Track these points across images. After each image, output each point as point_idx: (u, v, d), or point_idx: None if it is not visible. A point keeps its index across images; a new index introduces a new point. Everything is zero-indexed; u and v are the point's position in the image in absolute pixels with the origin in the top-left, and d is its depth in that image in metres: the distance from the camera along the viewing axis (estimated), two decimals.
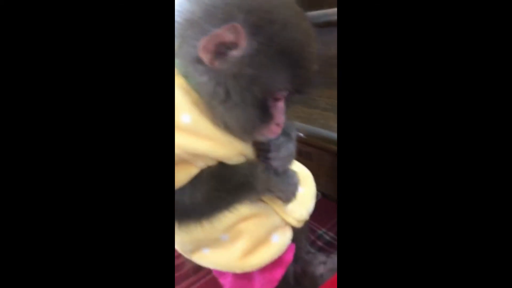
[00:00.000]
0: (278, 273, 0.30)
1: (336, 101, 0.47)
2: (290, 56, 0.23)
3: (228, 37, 0.22)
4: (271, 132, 0.26)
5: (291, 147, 0.30)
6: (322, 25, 0.62)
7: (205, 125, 0.25)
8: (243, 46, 0.22)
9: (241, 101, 0.23)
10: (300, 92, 0.26)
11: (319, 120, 0.48)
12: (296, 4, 0.25)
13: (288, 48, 0.23)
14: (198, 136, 0.25)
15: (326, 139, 0.46)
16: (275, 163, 0.29)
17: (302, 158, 0.38)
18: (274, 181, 0.29)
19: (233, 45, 0.22)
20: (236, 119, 0.24)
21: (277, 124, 0.26)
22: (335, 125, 0.46)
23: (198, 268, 0.40)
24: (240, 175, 0.28)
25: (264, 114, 0.24)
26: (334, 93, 0.58)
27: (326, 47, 0.62)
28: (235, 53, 0.22)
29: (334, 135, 0.44)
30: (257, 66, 0.22)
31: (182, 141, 0.24)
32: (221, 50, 0.22)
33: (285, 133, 0.29)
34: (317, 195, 0.48)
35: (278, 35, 0.22)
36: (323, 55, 0.60)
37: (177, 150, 0.24)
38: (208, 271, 0.41)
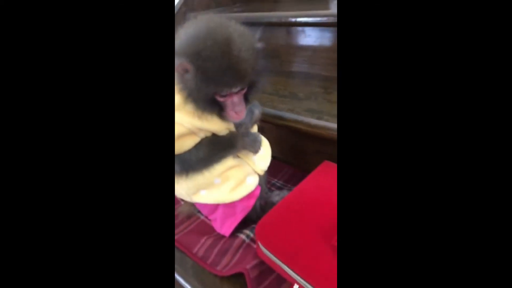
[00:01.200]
0: (251, 202, 0.48)
1: (277, 87, 0.64)
2: (213, 74, 0.37)
3: (182, 66, 0.37)
4: (231, 117, 0.41)
5: (248, 119, 0.47)
6: (265, 25, 0.78)
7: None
8: (190, 70, 0.37)
9: (197, 99, 0.39)
10: (249, 87, 0.42)
11: (267, 102, 0.65)
12: (224, 38, 0.37)
13: (210, 70, 0.37)
14: (200, 118, 0.40)
15: (273, 116, 0.62)
16: (241, 130, 0.46)
17: (258, 131, 0.55)
18: (246, 141, 0.46)
19: (186, 70, 0.38)
20: (198, 109, 0.40)
21: (235, 112, 0.41)
22: (279, 105, 0.63)
23: (190, 215, 0.55)
24: (225, 139, 0.44)
25: (214, 106, 0.40)
26: (277, 79, 0.76)
27: (267, 42, 0.80)
28: (188, 73, 0.38)
29: (278, 112, 0.61)
30: (197, 80, 0.38)
31: (192, 121, 0.39)
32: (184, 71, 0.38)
33: (250, 110, 0.46)
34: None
35: (202, 64, 0.37)
36: (265, 50, 0.78)
37: (188, 126, 0.39)
38: (197, 217, 0.56)
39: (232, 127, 0.46)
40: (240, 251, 0.46)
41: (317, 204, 0.44)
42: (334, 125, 0.51)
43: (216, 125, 0.43)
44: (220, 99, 0.40)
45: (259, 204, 0.52)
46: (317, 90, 0.66)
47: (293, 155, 0.71)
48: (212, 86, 0.38)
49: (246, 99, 0.43)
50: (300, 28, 0.75)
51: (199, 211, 0.56)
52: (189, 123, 0.40)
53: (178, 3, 0.93)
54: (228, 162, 0.45)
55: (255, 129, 0.52)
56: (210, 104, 0.40)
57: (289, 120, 0.57)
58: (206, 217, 0.54)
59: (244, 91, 0.41)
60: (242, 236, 0.49)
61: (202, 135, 0.43)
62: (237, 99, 0.41)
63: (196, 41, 0.37)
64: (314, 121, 0.54)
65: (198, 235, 0.51)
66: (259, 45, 0.41)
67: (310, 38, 0.74)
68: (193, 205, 0.55)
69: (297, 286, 0.37)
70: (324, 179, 0.49)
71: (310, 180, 0.49)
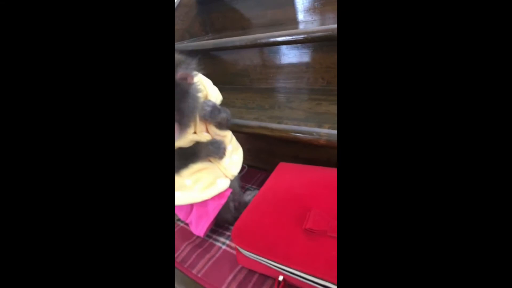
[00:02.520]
0: (222, 201, 0.52)
1: (246, 101, 0.71)
2: None
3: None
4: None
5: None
6: (231, 48, 0.87)
7: None
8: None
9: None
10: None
11: (237, 114, 0.71)
12: None
13: None
14: None
15: (241, 125, 0.68)
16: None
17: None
18: (210, 149, 0.51)
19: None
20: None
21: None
22: (247, 116, 0.69)
23: None
24: (190, 150, 0.50)
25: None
26: (246, 95, 0.83)
27: (237, 63, 0.89)
28: None
29: (245, 122, 0.67)
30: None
31: None
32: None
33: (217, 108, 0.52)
34: (245, 167, 0.73)
35: None
36: (231, 71, 0.87)
37: None
38: (177, 224, 0.59)
39: (198, 139, 0.51)
40: (217, 255, 0.50)
41: (282, 200, 0.48)
42: (292, 127, 0.58)
43: (182, 141, 0.49)
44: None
45: (233, 205, 0.56)
46: (280, 100, 0.74)
47: (264, 160, 0.77)
48: None
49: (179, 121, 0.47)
50: (264, 49, 0.83)
51: (178, 219, 0.60)
52: None
53: None
54: (196, 166, 0.50)
55: (229, 134, 0.58)
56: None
57: (254, 127, 0.63)
58: (184, 222, 0.58)
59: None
60: (219, 244, 0.53)
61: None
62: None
63: None
64: (275, 125, 0.60)
65: (178, 242, 0.55)
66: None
67: (273, 56, 0.82)
68: None
69: (282, 277, 0.40)
70: (282, 178, 0.54)
71: (271, 181, 0.54)
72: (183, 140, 0.49)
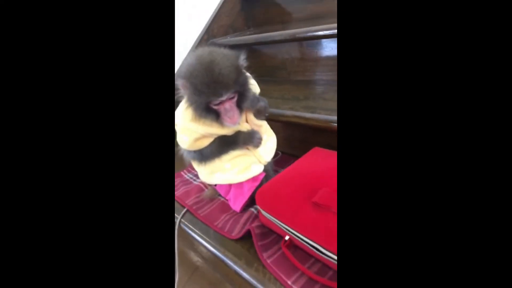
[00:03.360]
0: (256, 183, 0.59)
1: (282, 93, 0.76)
2: (201, 87, 0.50)
3: (182, 84, 0.51)
4: (226, 121, 0.53)
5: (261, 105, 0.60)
6: (270, 42, 0.91)
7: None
8: (187, 87, 0.51)
9: (195, 108, 0.52)
10: (240, 94, 0.53)
11: (273, 104, 0.76)
12: (207, 61, 0.50)
13: (198, 84, 0.49)
14: (204, 124, 0.54)
15: (277, 114, 0.72)
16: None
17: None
18: (247, 137, 0.58)
19: (185, 87, 0.51)
20: (198, 116, 0.52)
21: (228, 117, 0.52)
22: (283, 106, 0.74)
23: (212, 198, 0.68)
24: (230, 138, 0.57)
25: (210, 113, 0.52)
26: (284, 87, 0.88)
27: (273, 58, 0.93)
28: (187, 90, 0.51)
29: (281, 111, 0.71)
30: (192, 94, 0.51)
31: (204, 128, 0.53)
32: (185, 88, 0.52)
33: (257, 99, 0.58)
34: (279, 153, 0.79)
35: (194, 81, 0.50)
36: (270, 64, 0.92)
37: (202, 132, 0.53)
38: (218, 199, 0.68)
39: (236, 129, 0.57)
40: (249, 221, 0.57)
41: (303, 177, 0.54)
42: (324, 116, 0.61)
43: (220, 130, 0.55)
44: (214, 107, 0.52)
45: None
46: (315, 92, 0.77)
47: (297, 147, 0.81)
48: (203, 96, 0.50)
49: (239, 106, 0.54)
50: (302, 42, 0.87)
51: (219, 194, 0.68)
52: (202, 130, 0.54)
53: (200, 31, 1.11)
54: (235, 152, 0.58)
55: (264, 124, 0.64)
56: (206, 111, 0.52)
57: (289, 116, 0.68)
58: (224, 198, 0.66)
59: (234, 99, 0.53)
60: (251, 209, 0.60)
61: (214, 136, 0.56)
62: (228, 106, 0.52)
63: (190, 65, 0.51)
64: (308, 114, 0.64)
65: (219, 213, 0.63)
66: (242, 63, 0.54)
67: (310, 50, 0.85)
68: (215, 190, 0.67)
69: (288, 237, 0.47)
70: (311, 160, 0.59)
71: (300, 161, 0.60)
72: (223, 129, 0.56)
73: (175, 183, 0.77)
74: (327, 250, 0.40)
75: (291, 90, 0.83)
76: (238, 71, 0.52)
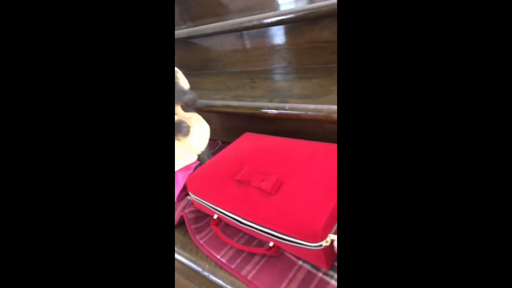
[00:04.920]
0: (189, 171, 0.61)
1: (216, 84, 0.79)
2: None
3: None
4: None
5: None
6: (201, 36, 0.93)
7: None
8: None
9: None
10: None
11: (207, 95, 0.79)
12: None
13: None
14: None
15: (212, 106, 0.76)
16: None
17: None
18: (176, 130, 0.60)
19: None
20: None
21: None
22: (214, 96, 0.77)
23: None
24: None
25: None
26: (217, 78, 0.90)
27: (208, 51, 0.95)
28: None
29: (216, 102, 0.75)
30: None
31: None
32: None
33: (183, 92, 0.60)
34: (219, 143, 0.82)
35: None
36: (205, 57, 0.94)
37: None
38: None
39: None
40: (185, 208, 0.60)
41: (230, 160, 0.57)
42: (250, 103, 0.66)
43: None
44: None
45: None
46: (245, 82, 0.81)
47: (235, 135, 0.85)
48: None
49: None
50: (236, 34, 0.90)
51: None
52: None
53: None
54: None
55: (193, 115, 0.66)
56: None
57: (219, 106, 0.71)
58: None
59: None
60: (188, 198, 0.62)
61: None
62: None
63: None
64: (236, 102, 0.68)
65: None
66: None
67: (242, 42, 0.89)
68: None
69: (216, 215, 0.50)
70: (241, 144, 0.63)
71: (230, 146, 0.63)
72: None
73: None
74: (247, 220, 0.45)
75: (224, 81, 0.87)
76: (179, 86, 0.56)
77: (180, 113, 0.62)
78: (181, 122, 0.61)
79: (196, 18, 1.23)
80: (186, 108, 0.63)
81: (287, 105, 0.59)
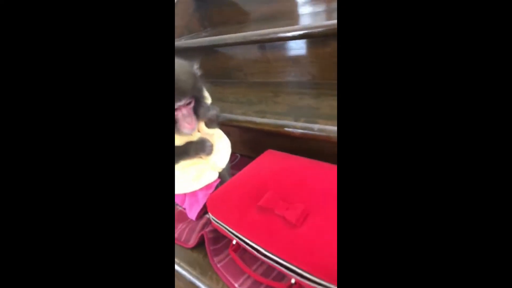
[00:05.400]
0: (210, 190, 0.60)
1: (238, 95, 0.77)
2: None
3: None
4: (184, 127, 0.54)
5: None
6: (223, 45, 0.92)
7: None
8: None
9: None
10: (197, 101, 0.55)
11: (229, 108, 0.77)
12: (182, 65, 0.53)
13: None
14: None
15: (234, 120, 0.75)
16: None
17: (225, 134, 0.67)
18: (198, 147, 0.59)
19: None
20: None
21: (187, 123, 0.54)
22: (236, 110, 0.75)
23: None
24: (181, 149, 0.58)
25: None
26: (238, 90, 0.89)
27: (230, 60, 0.94)
28: None
29: (238, 117, 0.73)
30: None
31: None
32: None
33: (208, 108, 0.59)
34: (238, 156, 0.80)
35: None
36: (227, 65, 0.93)
37: None
38: (176, 208, 0.68)
39: (189, 139, 0.59)
40: (205, 227, 0.59)
41: (252, 181, 0.55)
42: (274, 121, 0.63)
43: (176, 139, 0.57)
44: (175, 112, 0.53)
45: None
46: (268, 95, 0.79)
47: (254, 149, 0.83)
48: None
49: (196, 113, 0.56)
50: (257, 45, 0.88)
51: (176, 204, 0.68)
52: None
53: None
54: (185, 162, 0.59)
55: (216, 131, 0.65)
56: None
57: (241, 121, 0.69)
58: (181, 207, 0.66)
59: (191, 105, 0.55)
60: (207, 216, 0.61)
61: None
62: (186, 111, 0.54)
63: None
64: (258, 119, 0.66)
65: (176, 222, 0.64)
66: (197, 70, 0.55)
67: (267, 52, 0.87)
68: None
69: (235, 241, 0.48)
70: (262, 163, 0.61)
71: (252, 164, 0.61)
72: (178, 139, 0.57)
73: None
74: (267, 251, 0.43)
75: (246, 93, 0.85)
76: (194, 77, 0.55)
77: (203, 130, 0.61)
78: (204, 141, 0.59)
79: (217, 25, 1.22)
80: (210, 124, 0.62)
81: (315, 126, 0.56)
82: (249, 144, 0.85)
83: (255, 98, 0.79)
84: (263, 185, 0.53)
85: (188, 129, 0.55)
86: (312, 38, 0.73)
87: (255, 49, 0.89)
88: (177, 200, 0.65)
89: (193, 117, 0.55)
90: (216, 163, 0.62)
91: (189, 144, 0.58)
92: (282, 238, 0.43)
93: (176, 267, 0.54)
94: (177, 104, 0.52)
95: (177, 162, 0.57)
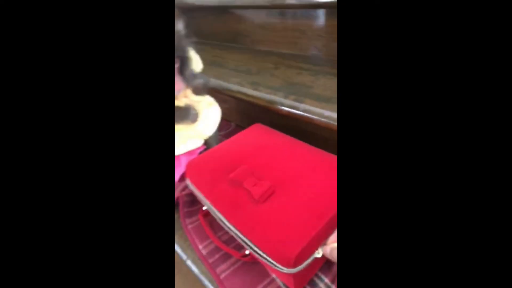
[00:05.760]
0: (192, 156, 0.62)
1: (239, 63, 0.75)
2: None
3: None
4: None
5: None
6: (233, 7, 0.87)
7: None
8: None
9: None
10: (182, 61, 0.54)
11: (226, 76, 0.76)
12: None
13: None
14: None
15: (227, 90, 0.74)
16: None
17: (221, 102, 0.67)
18: (183, 114, 0.59)
19: None
20: None
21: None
22: (232, 79, 0.73)
23: None
24: None
25: None
26: (240, 57, 0.86)
27: (238, 23, 0.90)
28: None
29: (232, 86, 0.72)
30: None
31: None
32: None
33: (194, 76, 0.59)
34: (232, 125, 0.81)
35: None
36: (235, 29, 0.89)
37: None
38: None
39: (177, 104, 0.59)
40: (183, 191, 0.62)
41: (232, 152, 0.56)
42: (264, 95, 0.62)
43: None
44: None
45: None
46: (268, 66, 0.76)
47: (249, 121, 0.83)
48: None
49: (182, 74, 0.56)
50: (266, 10, 0.83)
51: None
52: None
53: None
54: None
55: (204, 98, 0.65)
56: None
57: (234, 91, 0.69)
58: None
59: (177, 66, 0.54)
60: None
61: None
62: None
63: None
64: (250, 91, 0.65)
65: None
66: (182, 30, 0.53)
67: (275, 20, 0.82)
68: None
69: (205, 207, 0.51)
70: (247, 136, 0.61)
71: (237, 136, 0.61)
72: None
73: None
74: (228, 222, 0.44)
75: (247, 61, 0.82)
76: (177, 37, 0.53)
77: (190, 96, 0.61)
78: (189, 108, 0.60)
79: None
80: (197, 91, 0.61)
81: (301, 106, 0.55)
82: (244, 114, 0.84)
83: (254, 68, 0.76)
84: (240, 158, 0.54)
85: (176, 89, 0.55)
86: (323, 8, 0.68)
87: (263, 15, 0.84)
88: None
89: (179, 78, 0.55)
90: (202, 131, 0.63)
91: (174, 110, 0.59)
92: (243, 212, 0.44)
93: None
94: None
95: None
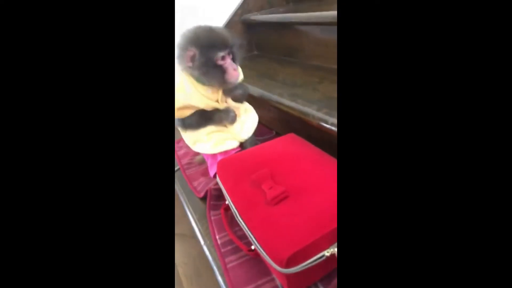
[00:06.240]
0: (227, 156, 0.68)
1: (287, 76, 0.80)
2: (207, 44, 0.59)
3: (191, 51, 0.59)
4: (232, 76, 0.62)
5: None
6: (289, 24, 0.92)
7: (195, 94, 0.63)
8: (196, 53, 0.59)
9: (206, 70, 0.60)
10: (233, 54, 0.63)
11: (270, 87, 0.81)
12: (208, 26, 0.61)
13: (204, 42, 0.59)
14: (192, 97, 0.63)
15: (272, 100, 0.78)
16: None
17: (266, 111, 0.72)
18: (222, 116, 0.67)
19: (193, 55, 0.59)
20: (211, 77, 0.61)
21: (234, 69, 0.61)
22: (279, 91, 0.78)
23: (201, 163, 0.80)
24: (208, 113, 0.66)
25: (219, 68, 0.60)
26: (290, 70, 0.90)
27: (295, 38, 0.95)
28: (196, 56, 0.59)
29: (271, 96, 0.76)
30: (201, 54, 0.59)
31: (187, 99, 0.63)
32: (192, 58, 0.60)
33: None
34: (273, 132, 0.85)
35: (200, 41, 0.59)
36: (291, 44, 0.95)
37: (184, 102, 0.63)
38: (204, 165, 0.80)
39: (215, 106, 0.66)
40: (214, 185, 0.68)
41: (261, 156, 0.59)
42: (298, 106, 0.65)
43: (203, 103, 0.65)
44: (220, 62, 0.61)
45: None
46: (313, 80, 0.78)
47: (287, 130, 0.85)
48: (210, 52, 0.59)
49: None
50: (320, 27, 0.86)
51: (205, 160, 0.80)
52: (184, 101, 0.64)
53: (236, 6, 1.16)
54: (212, 128, 0.68)
55: (243, 105, 0.72)
56: (214, 68, 0.60)
57: (273, 101, 0.73)
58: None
59: (231, 57, 0.63)
60: None
61: (194, 108, 0.66)
62: (229, 61, 0.62)
63: (193, 33, 0.60)
64: (288, 102, 0.68)
65: (200, 175, 0.76)
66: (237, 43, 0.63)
67: (329, 36, 0.84)
68: (203, 157, 0.80)
69: (227, 201, 0.56)
70: (279, 144, 0.64)
71: (270, 143, 0.65)
72: (207, 104, 0.65)
73: (180, 145, 0.91)
74: (240, 217, 0.48)
75: (295, 74, 0.86)
76: (232, 35, 0.62)
77: (230, 102, 0.68)
78: (229, 111, 0.67)
79: (300, 1, 1.20)
80: (236, 99, 0.69)
81: (330, 119, 0.56)
82: (284, 124, 0.87)
83: (300, 81, 0.79)
84: (265, 162, 0.57)
85: (235, 77, 0.62)
86: None
87: (318, 31, 0.87)
88: (206, 158, 0.76)
89: (236, 66, 0.62)
90: (239, 134, 0.69)
91: (215, 111, 0.67)
92: (256, 210, 0.48)
93: (185, 207, 0.66)
94: (223, 52, 0.60)
95: (204, 126, 0.67)
